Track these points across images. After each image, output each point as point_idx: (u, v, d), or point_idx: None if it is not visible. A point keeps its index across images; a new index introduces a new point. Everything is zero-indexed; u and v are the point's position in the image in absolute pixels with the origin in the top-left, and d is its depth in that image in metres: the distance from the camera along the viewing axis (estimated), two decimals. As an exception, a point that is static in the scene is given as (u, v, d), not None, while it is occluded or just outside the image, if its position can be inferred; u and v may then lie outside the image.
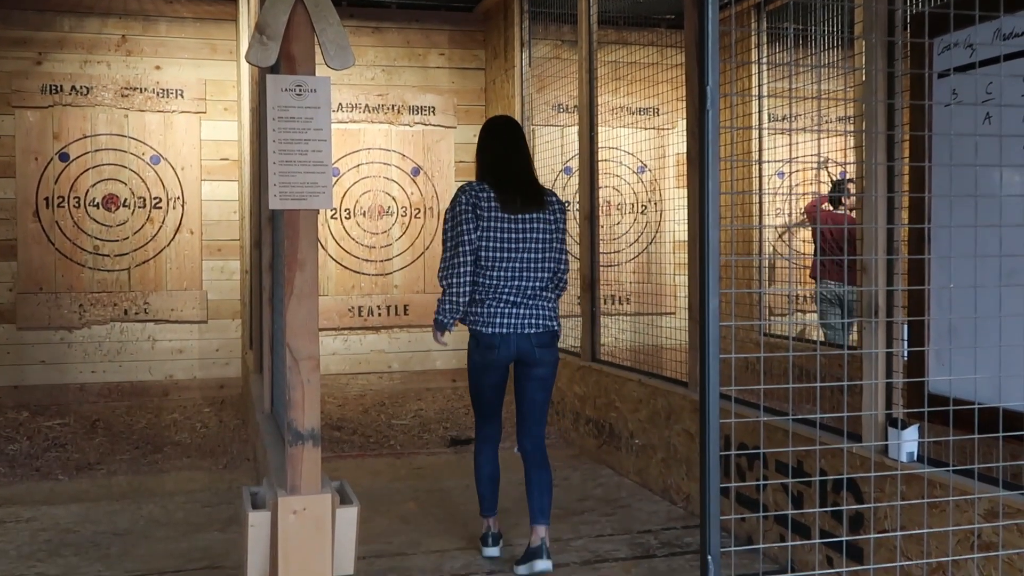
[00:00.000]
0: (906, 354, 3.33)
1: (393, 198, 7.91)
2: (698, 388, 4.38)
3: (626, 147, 7.89)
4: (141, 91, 7.42)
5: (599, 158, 5.98)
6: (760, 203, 6.74)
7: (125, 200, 7.39)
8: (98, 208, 7.33)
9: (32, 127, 7.20)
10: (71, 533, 4.17)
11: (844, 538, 3.24)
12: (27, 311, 7.15)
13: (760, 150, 6.64)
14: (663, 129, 7.92)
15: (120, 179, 7.38)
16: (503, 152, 3.82)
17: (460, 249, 3.66)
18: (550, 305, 3.80)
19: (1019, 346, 2.84)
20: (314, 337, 2.77)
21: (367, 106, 7.86)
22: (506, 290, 3.69)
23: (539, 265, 3.73)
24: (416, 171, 7.97)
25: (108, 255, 7.35)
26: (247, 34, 5.86)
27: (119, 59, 7.41)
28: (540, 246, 3.73)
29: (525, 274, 3.70)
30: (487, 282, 3.69)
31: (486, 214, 3.66)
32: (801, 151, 6.88)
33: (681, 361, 4.86)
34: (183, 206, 7.50)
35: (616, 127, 7.51)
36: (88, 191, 7.31)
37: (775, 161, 6.94)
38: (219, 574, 3.65)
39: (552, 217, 3.77)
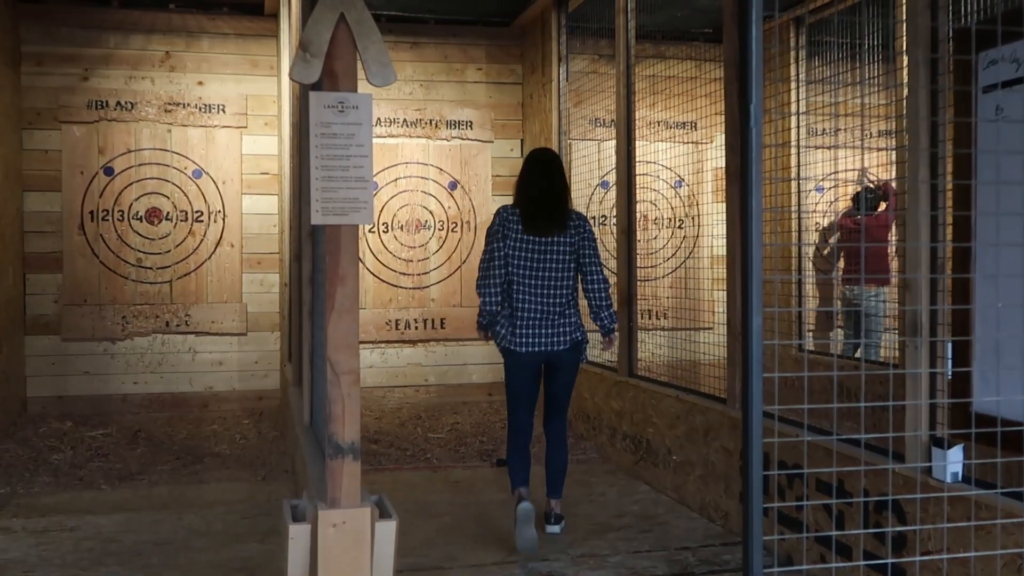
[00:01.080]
0: (950, 373, 3.28)
1: (430, 212, 7.96)
2: (737, 405, 4.34)
3: (663, 161, 7.87)
4: (184, 106, 7.55)
5: (636, 172, 5.97)
6: (799, 219, 6.68)
7: (167, 213, 7.50)
8: (141, 221, 7.45)
9: (78, 142, 7.35)
10: (113, 542, 4.23)
11: (889, 560, 3.18)
12: (71, 323, 7.28)
13: (799, 165, 6.60)
14: (701, 143, 7.90)
15: (163, 193, 7.50)
16: (536, 182, 4.28)
17: (492, 263, 4.22)
18: (573, 320, 4.28)
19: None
20: (355, 351, 2.79)
21: (405, 120, 7.93)
22: (535, 309, 4.21)
23: (562, 283, 4.22)
24: (453, 185, 8.01)
25: (151, 268, 7.47)
26: (287, 50, 5.94)
27: (163, 75, 7.55)
28: (562, 266, 4.21)
29: (549, 291, 4.21)
30: (517, 298, 4.22)
31: (513, 235, 4.19)
32: (841, 166, 6.83)
33: (719, 377, 4.83)
34: (224, 219, 7.60)
35: (653, 141, 7.49)
36: (132, 204, 7.43)
37: (811, 178, 6.89)
38: (258, 586, 3.67)
39: (574, 238, 4.23)
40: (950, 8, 3.39)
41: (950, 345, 3.23)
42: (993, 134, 3.13)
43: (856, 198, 6.57)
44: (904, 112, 3.34)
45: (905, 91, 3.32)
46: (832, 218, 7.24)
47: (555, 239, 4.19)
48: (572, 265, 4.23)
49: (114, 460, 5.83)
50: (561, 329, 4.23)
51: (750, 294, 1.97)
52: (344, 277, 2.82)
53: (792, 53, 7.00)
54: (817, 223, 7.42)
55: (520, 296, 4.20)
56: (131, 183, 7.44)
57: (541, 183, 4.26)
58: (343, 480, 2.69)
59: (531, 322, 4.20)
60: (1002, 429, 2.78)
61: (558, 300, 4.21)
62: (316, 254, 3.92)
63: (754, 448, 2.08)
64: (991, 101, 3.18)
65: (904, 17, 3.37)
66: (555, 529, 4.34)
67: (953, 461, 3.00)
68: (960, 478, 3.00)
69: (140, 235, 7.45)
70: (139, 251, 7.45)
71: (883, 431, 3.14)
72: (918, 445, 3.16)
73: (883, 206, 6.46)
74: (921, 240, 3.21)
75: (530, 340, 4.21)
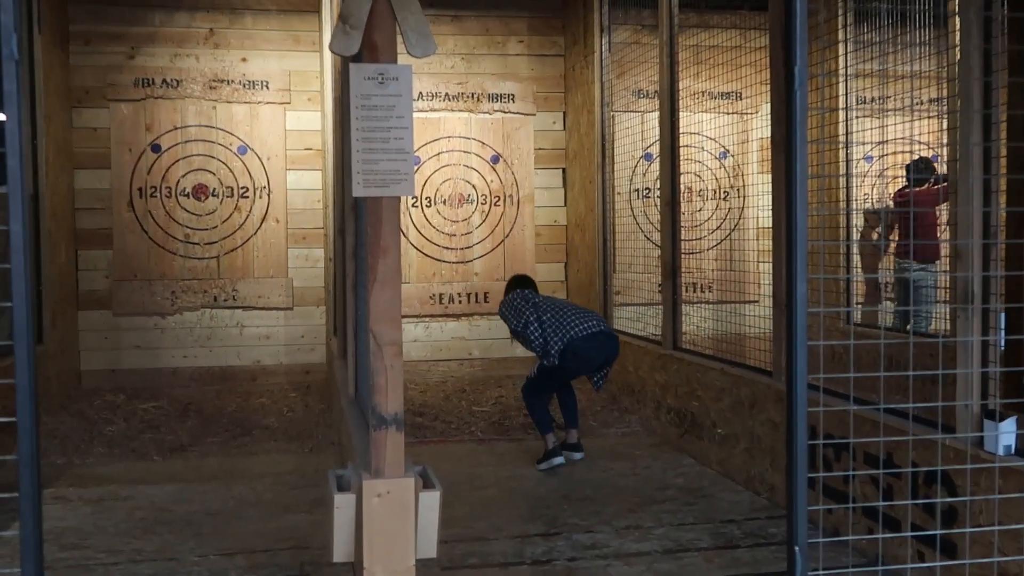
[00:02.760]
0: (1003, 343, 3.21)
1: (473, 186, 7.95)
2: (783, 377, 4.29)
3: (708, 132, 7.77)
4: (228, 83, 7.61)
5: (680, 144, 5.90)
6: (848, 188, 6.55)
7: (214, 190, 7.59)
8: (188, 198, 7.55)
9: (126, 119, 7.45)
10: (165, 512, 4.33)
11: (938, 531, 3.14)
12: (122, 298, 7.42)
13: (848, 133, 6.46)
14: (746, 114, 7.78)
15: (209, 169, 7.59)
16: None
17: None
18: None
19: None
20: (397, 323, 2.80)
21: (447, 95, 7.91)
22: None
23: None
24: (496, 159, 7.99)
25: (198, 243, 7.57)
26: (330, 25, 5.95)
27: (207, 52, 7.61)
28: None
29: None
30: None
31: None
32: (891, 134, 6.68)
33: (765, 350, 4.78)
34: (269, 195, 7.68)
35: (697, 112, 7.40)
36: (179, 181, 7.53)
37: (863, 144, 6.75)
38: (306, 554, 3.73)
39: None
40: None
41: (1003, 314, 3.15)
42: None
43: (908, 169, 6.42)
44: (956, 75, 3.24)
45: (957, 53, 3.23)
46: (879, 200, 7.09)
47: None
48: None
49: (165, 432, 5.95)
50: None
51: (794, 260, 1.93)
52: (386, 249, 2.82)
53: (840, 19, 6.83)
54: (866, 194, 7.28)
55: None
56: (178, 160, 7.53)
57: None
58: (387, 450, 2.71)
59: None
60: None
61: None
62: (359, 227, 3.94)
63: (799, 417, 2.06)
64: (1048, 63, 3.08)
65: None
66: (580, 455, 5.21)
67: (1006, 432, 2.94)
68: (1013, 450, 2.94)
69: (187, 211, 7.55)
70: (186, 227, 7.56)
71: (935, 402, 3.08)
72: (969, 416, 3.10)
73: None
74: (973, 205, 3.13)
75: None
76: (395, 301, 2.82)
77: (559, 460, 5.05)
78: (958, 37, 3.23)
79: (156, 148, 7.50)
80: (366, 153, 2.84)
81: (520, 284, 5.53)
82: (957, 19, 3.25)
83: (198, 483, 4.83)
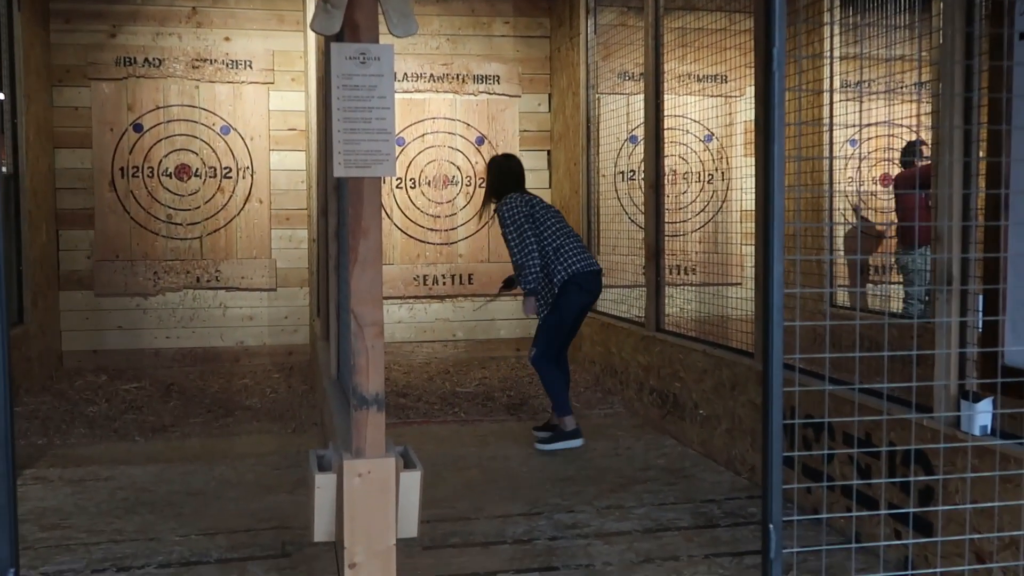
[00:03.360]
0: (980, 325, 3.23)
1: (458, 167, 7.94)
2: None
3: (693, 115, 7.77)
4: (211, 63, 7.55)
5: (665, 127, 5.90)
6: (830, 170, 6.57)
7: (196, 170, 7.55)
8: (171, 178, 7.50)
9: (107, 99, 7.39)
10: (147, 492, 4.32)
11: (912, 510, 3.18)
12: (104, 278, 7.38)
13: (831, 116, 6.48)
14: (731, 97, 7.78)
15: (191, 149, 7.54)
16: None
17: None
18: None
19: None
20: (378, 304, 2.80)
21: (432, 75, 7.88)
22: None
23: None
24: (480, 140, 7.97)
25: (181, 224, 7.53)
26: (313, 4, 5.90)
27: (190, 31, 7.54)
28: None
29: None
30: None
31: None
32: (875, 117, 6.70)
33: (747, 332, 4.80)
34: (252, 176, 7.64)
35: (682, 95, 7.39)
36: (161, 161, 7.48)
37: (847, 127, 6.76)
38: (288, 534, 3.74)
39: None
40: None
41: (981, 296, 3.18)
42: (1029, 80, 3.05)
43: (909, 149, 6.45)
44: (938, 58, 3.25)
45: (940, 37, 3.24)
46: (859, 193, 7.12)
47: None
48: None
49: (147, 413, 5.94)
50: None
51: (771, 240, 1.94)
52: (367, 230, 2.82)
53: (825, 1, 6.83)
54: (850, 177, 7.31)
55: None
56: (160, 139, 7.48)
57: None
58: (368, 430, 2.71)
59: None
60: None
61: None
62: (341, 208, 3.93)
63: (774, 395, 2.07)
64: (1027, 47, 3.09)
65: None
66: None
67: (981, 412, 2.97)
68: (989, 430, 2.98)
69: (170, 191, 7.51)
70: (169, 207, 7.51)
71: (911, 383, 3.11)
72: (945, 396, 3.14)
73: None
74: (952, 188, 3.15)
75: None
76: (376, 282, 2.82)
77: (578, 442, 5.02)
78: (940, 20, 3.24)
79: (138, 128, 7.44)
80: (347, 133, 2.83)
81: (513, 176, 5.26)
82: (940, 2, 3.25)
83: (180, 463, 4.83)
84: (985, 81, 3.20)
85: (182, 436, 5.44)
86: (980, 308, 3.21)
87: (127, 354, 7.42)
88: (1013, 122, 3.04)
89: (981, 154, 3.25)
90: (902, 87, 5.93)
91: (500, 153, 5.77)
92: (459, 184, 7.94)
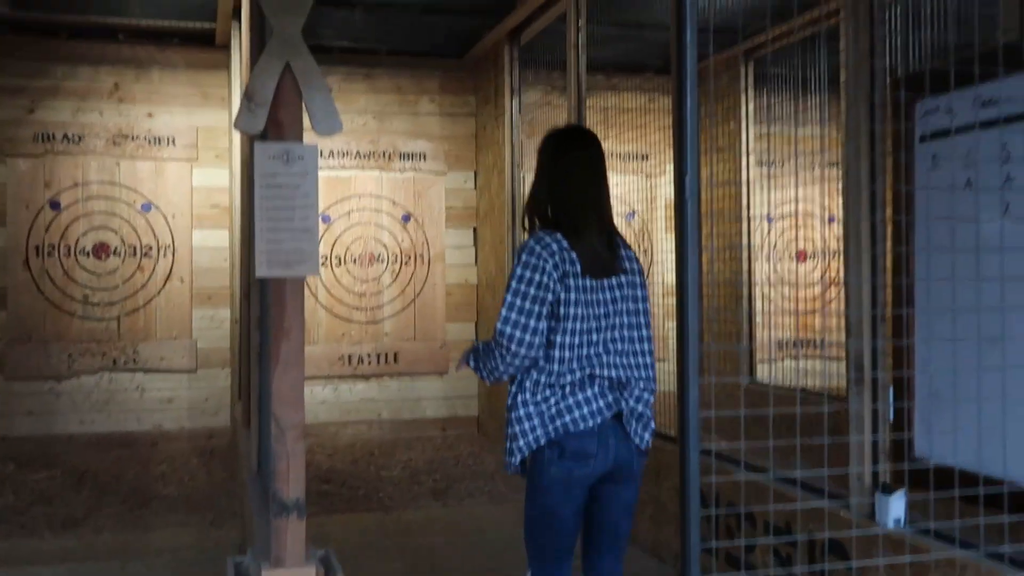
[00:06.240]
0: (892, 414, 3.33)
1: (384, 245, 7.93)
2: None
3: (616, 194, 7.92)
4: (133, 139, 7.45)
5: (588, 207, 5.99)
6: (750, 258, 6.77)
7: (115, 248, 7.39)
8: (88, 256, 7.33)
9: (24, 175, 7.22)
10: (55, 595, 4.13)
11: (833, 602, 3.22)
12: (16, 361, 7.12)
13: (748, 206, 6.69)
14: (652, 175, 7.98)
15: (111, 227, 7.39)
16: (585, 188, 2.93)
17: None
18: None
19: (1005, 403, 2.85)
20: (300, 406, 2.76)
21: (358, 152, 7.91)
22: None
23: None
24: (407, 218, 8.00)
25: (98, 304, 7.34)
26: (238, 81, 5.90)
27: (112, 106, 7.45)
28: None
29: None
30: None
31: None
32: (789, 196, 6.93)
33: (671, 415, 4.85)
34: (173, 254, 7.51)
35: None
36: (79, 239, 7.31)
37: (756, 216, 6.97)
38: (204, 639, 3.61)
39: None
40: (895, 53, 3.47)
41: (891, 388, 3.28)
42: (930, 174, 3.21)
43: None
44: (844, 154, 3.41)
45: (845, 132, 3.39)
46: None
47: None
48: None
49: (58, 505, 5.69)
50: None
51: (687, 346, 1.98)
52: (289, 330, 2.79)
53: (742, 83, 7.09)
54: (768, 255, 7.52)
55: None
56: (78, 217, 7.32)
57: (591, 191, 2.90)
58: (287, 539, 2.66)
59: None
60: (935, 471, 2.82)
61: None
62: (263, 302, 3.88)
63: (691, 485, 2.09)
64: (927, 150, 3.27)
65: (846, 62, 3.44)
66: None
67: (895, 505, 3.05)
68: (903, 523, 3.05)
69: (87, 271, 7.33)
70: (86, 287, 7.32)
71: (838, 467, 3.18)
72: (860, 485, 3.21)
73: None
74: (862, 278, 3.27)
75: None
76: (298, 383, 2.79)
77: None
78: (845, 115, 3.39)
79: (55, 205, 7.28)
80: (271, 232, 2.82)
81: (571, 186, 2.99)
82: (845, 101, 3.41)
83: (91, 561, 4.62)
84: (889, 176, 3.36)
85: (94, 531, 5.21)
86: (891, 398, 3.31)
87: (38, 441, 7.13)
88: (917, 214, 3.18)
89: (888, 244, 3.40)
90: (821, 167, 6.16)
91: (564, 125, 3.39)
92: (385, 262, 7.93)
